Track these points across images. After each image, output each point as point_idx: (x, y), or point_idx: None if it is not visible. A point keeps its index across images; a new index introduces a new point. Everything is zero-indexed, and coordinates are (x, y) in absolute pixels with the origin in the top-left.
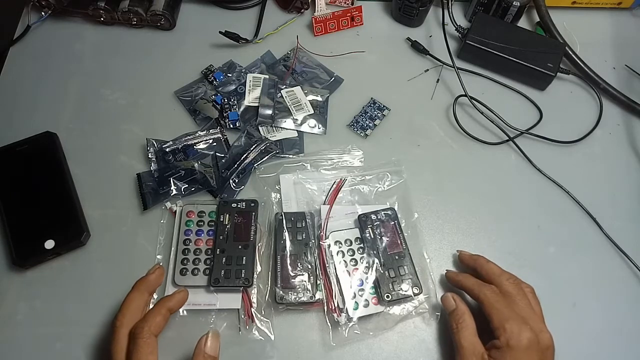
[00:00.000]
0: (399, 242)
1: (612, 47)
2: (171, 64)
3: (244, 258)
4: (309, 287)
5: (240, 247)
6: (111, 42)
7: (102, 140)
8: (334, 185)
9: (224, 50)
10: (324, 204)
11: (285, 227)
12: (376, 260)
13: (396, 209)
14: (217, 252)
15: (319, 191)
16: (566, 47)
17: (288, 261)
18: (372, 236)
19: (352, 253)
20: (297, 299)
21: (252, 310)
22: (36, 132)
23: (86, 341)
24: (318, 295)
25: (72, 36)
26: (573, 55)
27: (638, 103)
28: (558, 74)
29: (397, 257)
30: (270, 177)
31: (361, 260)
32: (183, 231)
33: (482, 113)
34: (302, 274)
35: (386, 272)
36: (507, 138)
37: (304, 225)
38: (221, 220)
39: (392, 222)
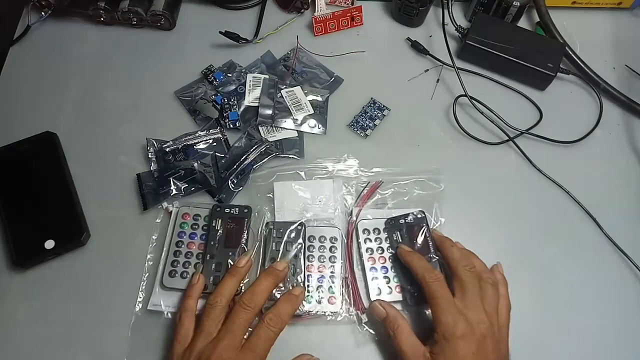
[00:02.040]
0: (428, 246)
1: (612, 47)
2: (171, 64)
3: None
4: None
5: (230, 253)
6: (111, 42)
7: (102, 140)
8: (368, 187)
9: (224, 50)
10: (355, 205)
11: (274, 237)
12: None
13: (426, 214)
14: (207, 258)
15: (312, 200)
16: (566, 47)
17: None
18: (399, 240)
19: (379, 242)
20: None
21: None
22: (36, 132)
23: (86, 341)
24: (306, 308)
25: (72, 36)
26: (573, 55)
27: (638, 103)
28: (558, 74)
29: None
30: (264, 185)
31: (388, 250)
32: (177, 233)
33: (482, 113)
34: (290, 287)
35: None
36: (507, 138)
37: (294, 236)
38: (213, 225)
39: (423, 226)
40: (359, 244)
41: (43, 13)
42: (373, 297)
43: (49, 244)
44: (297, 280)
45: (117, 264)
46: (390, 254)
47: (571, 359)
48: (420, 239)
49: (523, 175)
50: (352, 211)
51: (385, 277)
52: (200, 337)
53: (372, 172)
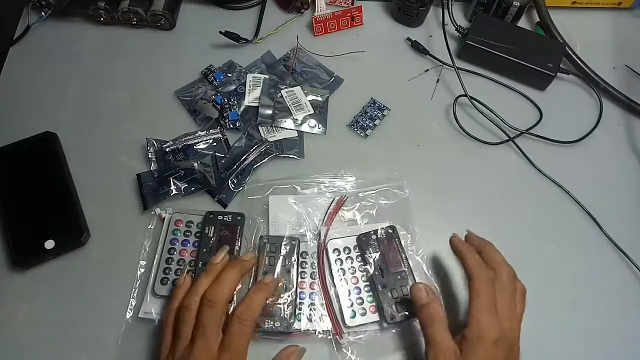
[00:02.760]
0: (400, 261)
1: (612, 47)
2: (171, 64)
3: None
4: (287, 316)
5: None
6: (111, 42)
7: (102, 140)
8: (333, 204)
9: (224, 50)
10: (322, 224)
11: (268, 252)
12: (378, 281)
13: (398, 225)
14: (200, 266)
15: (307, 215)
16: (566, 47)
17: None
18: (373, 257)
19: (350, 261)
20: (272, 327)
21: None
22: (36, 132)
23: (86, 341)
24: (296, 326)
25: (72, 36)
26: (573, 55)
27: (638, 103)
28: (558, 74)
29: (399, 277)
30: (260, 198)
31: (360, 268)
32: (169, 240)
33: (482, 113)
34: (281, 303)
35: (389, 292)
36: (507, 138)
37: (287, 251)
38: (206, 232)
39: (394, 241)
40: (330, 265)
41: (43, 13)
42: (348, 320)
43: (49, 244)
44: (289, 295)
45: (117, 264)
46: (363, 274)
47: (571, 359)
48: (392, 254)
49: (523, 175)
50: (320, 231)
51: (359, 298)
52: (178, 342)
53: (334, 187)
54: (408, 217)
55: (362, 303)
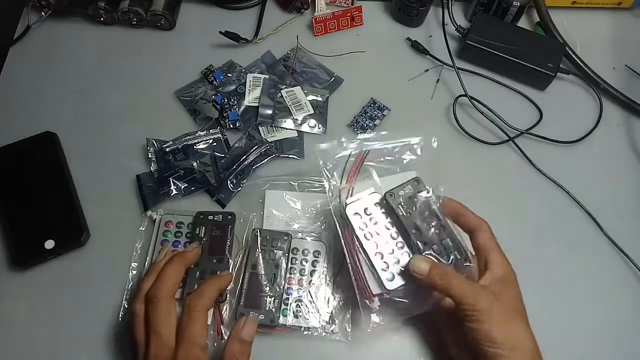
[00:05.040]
0: (435, 214)
1: (612, 47)
2: (171, 64)
3: (218, 272)
4: (273, 309)
5: (215, 260)
6: (111, 42)
7: (102, 140)
8: (355, 160)
9: (224, 50)
10: (341, 186)
11: (259, 245)
12: (418, 239)
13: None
14: (192, 266)
15: (302, 212)
16: (566, 47)
17: (256, 280)
18: (405, 215)
19: (375, 222)
20: (257, 319)
21: (222, 327)
22: (36, 132)
23: (86, 341)
24: (281, 321)
25: (72, 36)
26: (573, 55)
27: (638, 103)
28: (558, 74)
29: (437, 231)
30: (256, 192)
31: (387, 227)
32: (160, 241)
33: (482, 113)
34: (268, 296)
35: (431, 249)
36: (507, 138)
37: (280, 245)
38: (197, 232)
39: (422, 193)
40: (352, 229)
41: (43, 13)
42: (387, 284)
43: (49, 244)
44: (276, 289)
45: (116, 264)
46: (394, 230)
47: (570, 358)
48: (425, 208)
49: (523, 175)
50: (339, 194)
51: (395, 258)
52: (136, 349)
53: (354, 141)
54: (437, 171)
55: (398, 263)
